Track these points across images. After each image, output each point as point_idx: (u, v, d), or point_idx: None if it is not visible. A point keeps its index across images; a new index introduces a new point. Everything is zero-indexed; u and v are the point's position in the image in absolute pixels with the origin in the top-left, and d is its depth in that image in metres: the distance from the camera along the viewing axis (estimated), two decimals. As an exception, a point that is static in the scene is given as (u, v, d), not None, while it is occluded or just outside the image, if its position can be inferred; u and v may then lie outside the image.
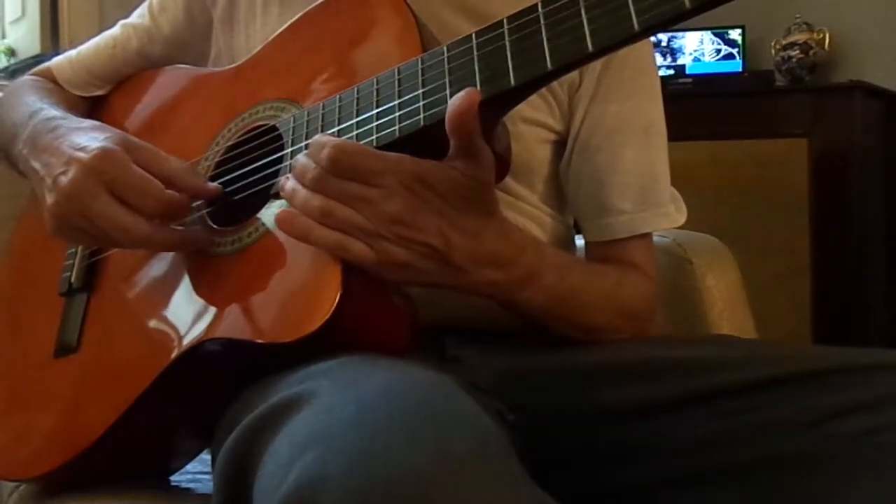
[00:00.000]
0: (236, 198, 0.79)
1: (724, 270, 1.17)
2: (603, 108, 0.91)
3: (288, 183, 0.69)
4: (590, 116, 0.91)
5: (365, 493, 0.46)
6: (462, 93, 0.63)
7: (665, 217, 0.93)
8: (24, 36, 3.12)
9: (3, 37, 3.26)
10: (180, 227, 0.78)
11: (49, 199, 0.78)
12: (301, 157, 0.68)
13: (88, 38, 1.05)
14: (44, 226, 0.81)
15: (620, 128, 0.91)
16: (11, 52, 3.18)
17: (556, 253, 0.80)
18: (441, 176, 0.65)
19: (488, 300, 0.75)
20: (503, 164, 0.70)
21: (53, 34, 2.96)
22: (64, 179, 0.76)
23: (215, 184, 0.80)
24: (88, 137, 0.79)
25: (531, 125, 0.90)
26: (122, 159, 0.75)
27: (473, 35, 0.67)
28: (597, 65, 0.90)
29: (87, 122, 0.85)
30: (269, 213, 0.75)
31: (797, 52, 3.11)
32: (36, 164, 0.82)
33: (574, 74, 0.90)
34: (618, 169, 0.91)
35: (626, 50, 0.89)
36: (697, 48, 3.25)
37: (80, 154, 0.77)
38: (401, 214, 0.65)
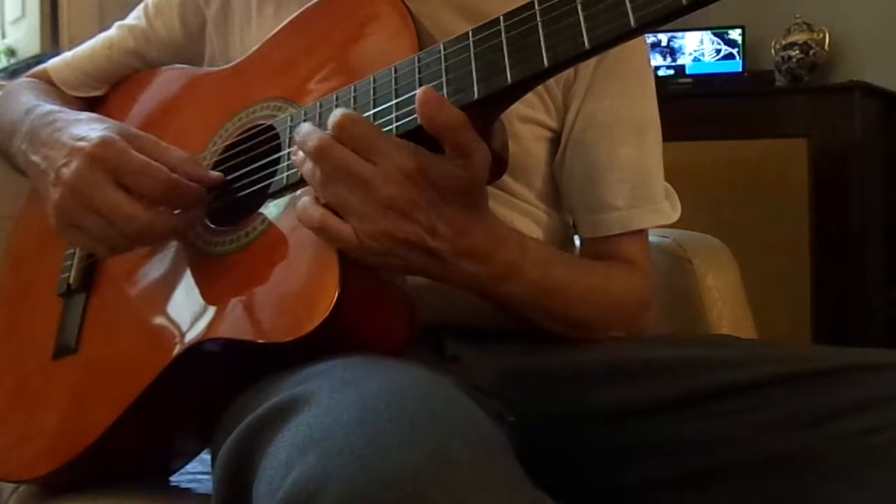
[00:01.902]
0: (234, 197, 0.79)
1: (724, 270, 1.17)
2: (596, 103, 0.91)
3: (298, 153, 0.69)
4: (583, 112, 0.91)
5: (364, 495, 0.46)
6: (419, 91, 0.64)
7: (659, 213, 0.93)
8: (24, 36, 3.12)
9: (3, 37, 3.26)
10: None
11: (54, 193, 0.77)
12: (307, 125, 0.68)
13: (88, 38, 1.05)
14: (42, 226, 0.81)
15: (613, 123, 0.91)
16: (11, 53, 3.19)
17: (539, 248, 0.80)
18: (440, 167, 0.65)
19: (468, 292, 0.75)
20: (501, 163, 0.70)
21: (53, 34, 2.96)
22: (67, 171, 0.76)
23: (217, 172, 0.80)
24: (88, 128, 0.79)
25: (528, 123, 0.90)
26: (123, 147, 0.76)
27: (470, 33, 0.67)
28: (591, 61, 0.90)
29: (85, 115, 0.86)
30: (268, 213, 0.75)
31: (797, 52, 3.11)
32: (36, 158, 0.82)
33: (569, 71, 0.90)
34: (611, 165, 0.91)
35: (621, 46, 0.89)
36: (697, 48, 3.25)
37: (82, 144, 0.77)
38: (395, 201, 0.65)
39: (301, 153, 0.69)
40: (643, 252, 0.93)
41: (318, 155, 0.66)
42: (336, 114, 0.66)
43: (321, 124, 0.73)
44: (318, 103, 0.74)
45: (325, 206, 0.67)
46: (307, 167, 0.67)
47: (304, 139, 0.67)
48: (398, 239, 0.66)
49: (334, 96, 0.73)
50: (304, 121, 0.75)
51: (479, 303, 0.82)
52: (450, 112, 0.64)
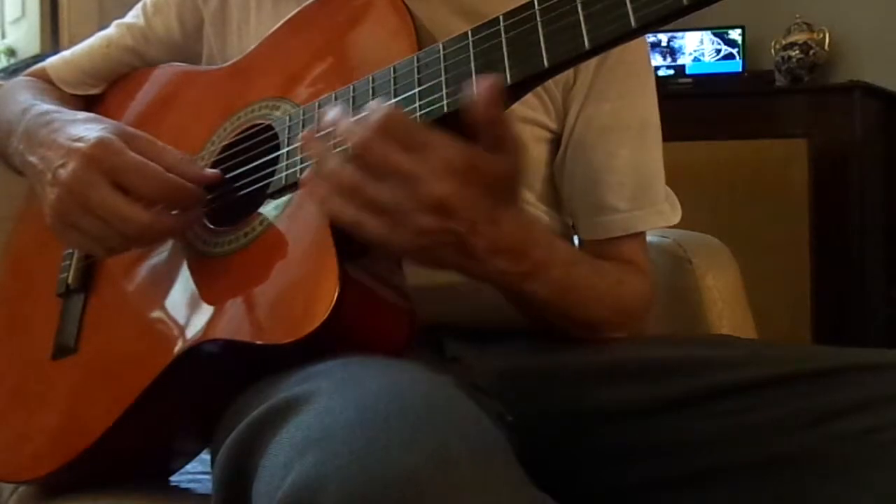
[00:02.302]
0: (233, 197, 0.79)
1: (724, 270, 1.17)
2: (597, 106, 0.91)
3: (316, 146, 0.67)
4: (584, 115, 0.91)
5: (364, 495, 0.46)
6: (484, 80, 0.63)
7: (660, 216, 0.93)
8: (24, 36, 3.13)
9: (3, 37, 3.26)
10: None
11: (51, 194, 0.77)
12: (346, 122, 0.66)
13: (88, 38, 1.05)
14: (41, 226, 0.81)
15: (615, 126, 0.91)
16: (11, 52, 3.19)
17: (565, 247, 0.80)
18: (486, 162, 0.64)
19: (494, 289, 0.74)
20: None
21: (53, 34, 2.96)
22: (63, 172, 0.76)
23: (214, 170, 0.80)
24: (85, 128, 0.79)
25: (527, 124, 0.89)
26: (120, 147, 0.75)
27: (469, 32, 0.67)
28: (592, 63, 0.90)
29: (82, 115, 0.85)
30: (267, 213, 0.75)
31: (797, 52, 3.11)
32: (33, 159, 0.82)
33: (568, 72, 0.90)
34: (612, 167, 0.91)
35: (621, 47, 0.89)
36: (697, 48, 3.25)
37: (79, 145, 0.76)
38: (445, 199, 0.63)
39: (315, 147, 0.67)
40: (644, 253, 0.93)
41: (362, 151, 0.63)
42: (379, 108, 0.64)
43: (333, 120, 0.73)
44: (316, 103, 0.74)
45: (358, 200, 0.65)
46: (333, 162, 0.65)
47: (345, 134, 0.65)
48: (437, 237, 0.65)
49: (333, 96, 0.73)
50: (303, 120, 0.75)
51: (479, 303, 0.82)
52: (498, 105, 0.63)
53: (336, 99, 0.73)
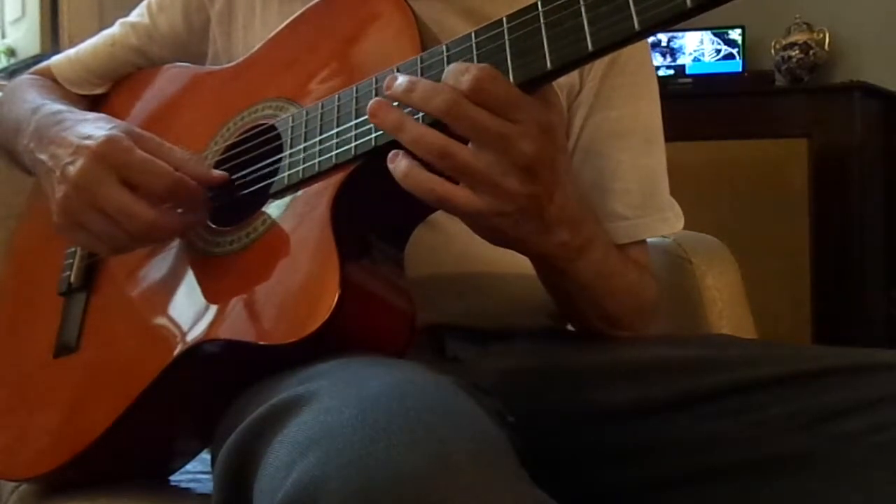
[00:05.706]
0: (236, 197, 0.79)
1: (724, 270, 1.17)
2: (604, 114, 0.91)
3: (390, 115, 0.65)
4: (590, 122, 0.91)
5: (364, 496, 0.46)
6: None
7: (665, 223, 0.93)
8: (24, 36, 3.12)
9: (3, 37, 3.26)
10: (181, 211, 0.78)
11: (59, 191, 0.77)
12: (426, 82, 0.64)
13: (88, 38, 1.05)
14: (45, 224, 0.81)
15: (621, 134, 0.91)
16: (11, 52, 3.19)
17: (602, 228, 0.80)
18: (561, 126, 0.64)
19: (543, 263, 0.75)
20: None
21: (53, 34, 2.96)
22: (72, 169, 0.76)
23: (221, 171, 0.80)
24: (94, 127, 0.79)
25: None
26: (129, 145, 0.76)
27: (473, 34, 0.67)
28: (597, 70, 0.90)
29: (92, 115, 0.86)
30: (269, 213, 0.75)
31: (797, 52, 3.11)
32: (43, 156, 0.82)
33: (574, 79, 0.90)
34: (618, 175, 0.91)
35: (626, 55, 0.89)
36: (697, 48, 3.25)
37: (88, 142, 0.77)
38: (533, 160, 0.63)
39: (389, 116, 0.65)
40: (648, 257, 0.94)
41: (450, 114, 0.62)
42: (469, 73, 0.62)
43: (322, 125, 0.73)
44: (319, 104, 0.74)
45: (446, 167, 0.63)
46: (415, 130, 0.63)
47: (427, 96, 0.63)
48: (521, 202, 0.64)
49: (336, 97, 0.73)
50: (306, 121, 0.75)
51: (480, 303, 0.82)
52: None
53: (339, 100, 0.73)
